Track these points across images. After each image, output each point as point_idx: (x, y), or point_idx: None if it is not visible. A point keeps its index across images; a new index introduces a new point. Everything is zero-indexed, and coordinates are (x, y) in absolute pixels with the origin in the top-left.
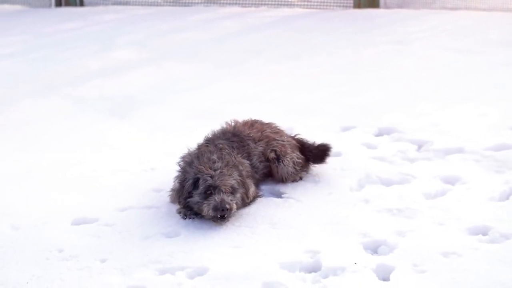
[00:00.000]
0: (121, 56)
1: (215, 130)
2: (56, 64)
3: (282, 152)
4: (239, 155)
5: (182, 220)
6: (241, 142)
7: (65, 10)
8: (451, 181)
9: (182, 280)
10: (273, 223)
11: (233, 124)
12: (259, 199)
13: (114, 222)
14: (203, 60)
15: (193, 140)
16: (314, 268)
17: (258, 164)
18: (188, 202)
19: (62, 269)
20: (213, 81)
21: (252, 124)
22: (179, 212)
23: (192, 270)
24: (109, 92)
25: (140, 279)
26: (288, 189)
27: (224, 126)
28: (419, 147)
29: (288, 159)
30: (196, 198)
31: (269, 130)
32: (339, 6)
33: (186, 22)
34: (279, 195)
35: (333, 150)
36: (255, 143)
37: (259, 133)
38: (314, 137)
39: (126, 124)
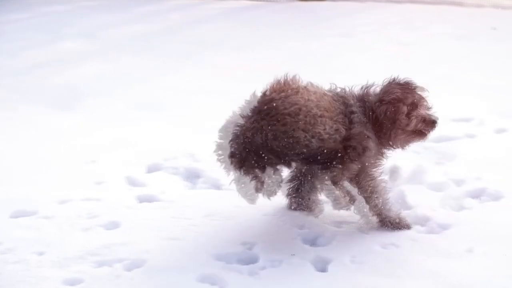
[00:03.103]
0: (67, 48)
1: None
2: None
3: None
4: None
5: (121, 213)
6: None
7: (9, 1)
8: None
9: (119, 273)
10: (211, 215)
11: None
12: (198, 191)
13: (53, 214)
14: (149, 53)
15: (136, 132)
16: (251, 260)
17: None
18: None
19: None
20: (158, 74)
21: None
22: None
23: (130, 262)
24: (53, 84)
25: (77, 272)
26: (227, 181)
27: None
28: None
29: None
30: None
31: None
32: None
33: (132, 14)
34: (218, 187)
35: None
36: None
37: None
38: None
39: (69, 116)
